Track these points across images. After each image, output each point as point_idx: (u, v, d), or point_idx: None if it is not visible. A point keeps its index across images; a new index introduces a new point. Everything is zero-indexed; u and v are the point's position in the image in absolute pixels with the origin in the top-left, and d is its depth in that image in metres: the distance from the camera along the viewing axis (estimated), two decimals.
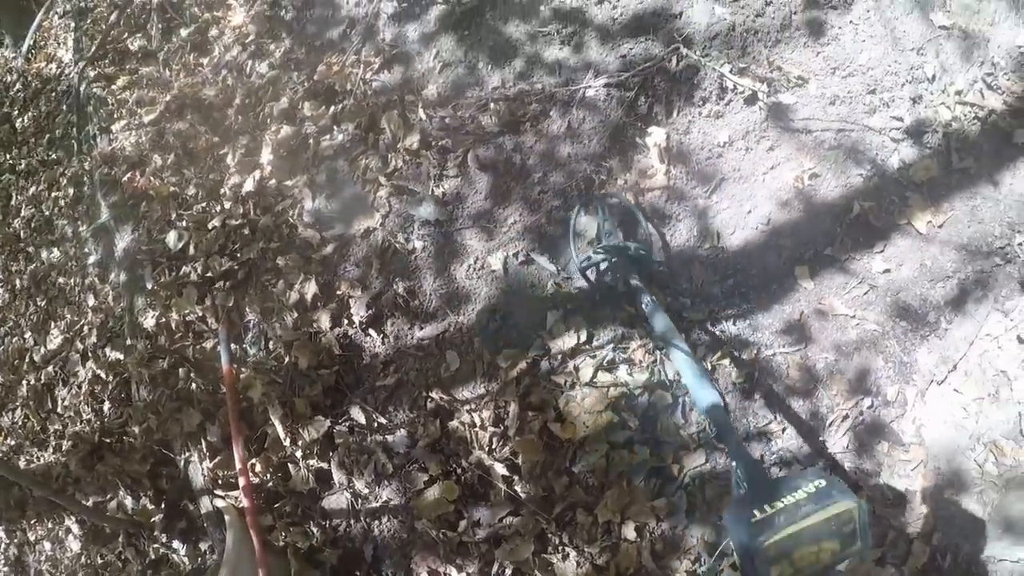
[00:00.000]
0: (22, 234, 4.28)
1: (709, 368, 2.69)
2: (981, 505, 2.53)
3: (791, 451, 2.58)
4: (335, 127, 3.41)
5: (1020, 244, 2.80)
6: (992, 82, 2.96)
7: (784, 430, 2.63)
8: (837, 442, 2.60)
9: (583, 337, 2.75)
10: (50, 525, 3.76)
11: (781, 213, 2.85)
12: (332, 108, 3.45)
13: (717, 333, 2.76)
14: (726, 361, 2.70)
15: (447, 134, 3.18)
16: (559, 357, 2.75)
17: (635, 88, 3.05)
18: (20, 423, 3.91)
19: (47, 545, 3.79)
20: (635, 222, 2.87)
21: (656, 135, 3.00)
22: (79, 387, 3.67)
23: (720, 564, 2.40)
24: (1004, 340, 2.67)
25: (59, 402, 3.77)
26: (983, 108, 2.92)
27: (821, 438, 2.62)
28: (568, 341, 2.75)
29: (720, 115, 3.03)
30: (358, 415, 2.91)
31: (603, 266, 2.75)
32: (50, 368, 3.80)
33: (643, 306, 2.45)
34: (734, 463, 1.70)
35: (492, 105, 3.17)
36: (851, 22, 3.05)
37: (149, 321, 3.35)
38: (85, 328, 3.73)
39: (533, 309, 2.86)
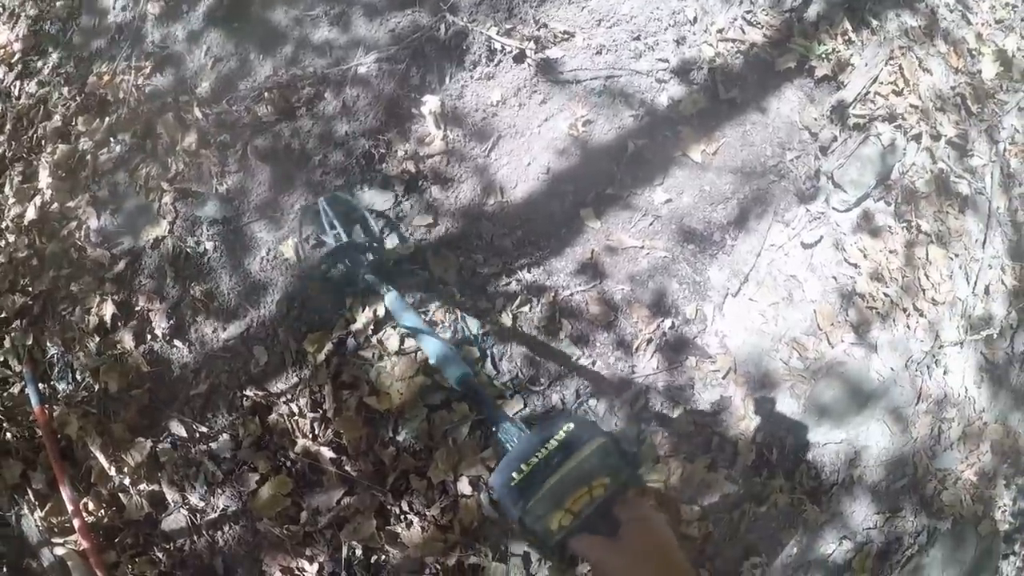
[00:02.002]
0: None
1: (511, 318, 2.69)
2: (795, 399, 2.67)
3: (603, 380, 2.62)
4: (111, 139, 3.19)
5: (792, 160, 2.91)
6: (751, 18, 3.07)
7: (594, 363, 2.65)
8: (646, 365, 2.65)
9: (381, 310, 2.68)
10: None
11: (560, 161, 2.86)
12: (107, 119, 3.22)
13: (513, 283, 2.75)
14: (526, 308, 2.70)
15: (224, 129, 3.02)
16: (363, 332, 2.68)
17: (406, 60, 2.99)
18: None
19: None
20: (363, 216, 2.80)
21: (430, 103, 2.95)
22: None
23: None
24: (789, 247, 2.78)
25: None
26: (745, 43, 3.03)
27: (631, 364, 2.65)
28: (368, 315, 2.68)
29: (491, 76, 3.01)
30: (178, 429, 2.77)
31: (338, 268, 2.70)
32: None
33: (383, 299, 2.42)
34: (494, 429, 1.67)
35: (266, 94, 3.03)
36: None
37: None
38: None
39: (330, 290, 2.76)
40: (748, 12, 3.05)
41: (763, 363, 2.71)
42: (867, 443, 2.62)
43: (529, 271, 2.76)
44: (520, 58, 2.98)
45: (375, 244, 2.68)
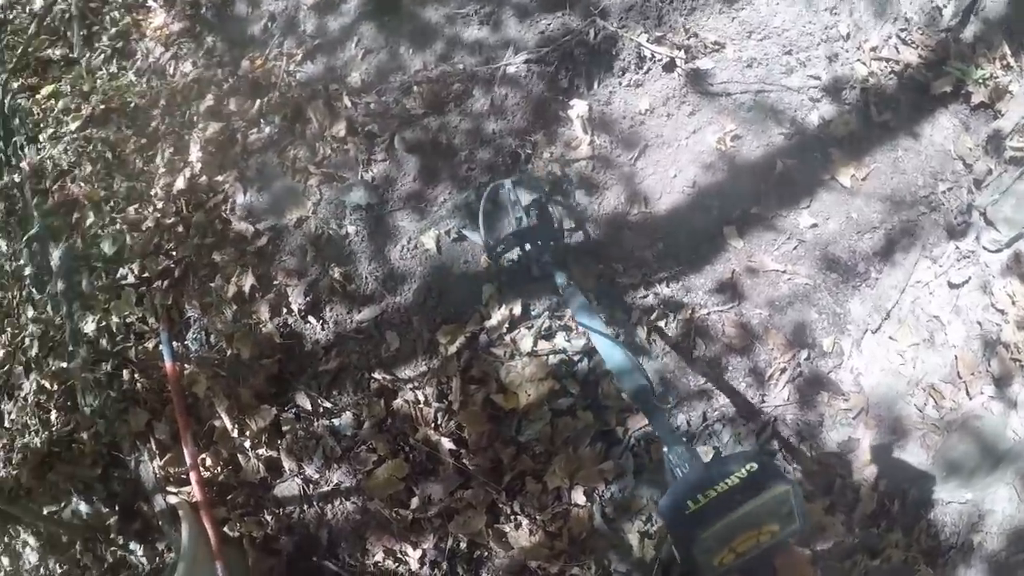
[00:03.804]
0: None
1: (645, 331, 2.64)
2: (924, 449, 2.49)
3: (733, 407, 2.52)
4: (262, 120, 3.27)
5: (943, 192, 2.77)
6: (906, 37, 2.92)
7: (724, 388, 2.57)
8: (777, 395, 2.55)
9: (518, 309, 2.68)
10: (6, 540, 3.56)
11: (706, 175, 2.80)
12: (258, 102, 3.30)
13: (651, 296, 2.71)
14: (662, 323, 2.65)
15: (373, 119, 3.07)
16: (497, 329, 2.68)
17: (555, 62, 2.99)
18: None
19: (5, 560, 3.59)
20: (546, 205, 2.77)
21: (578, 107, 2.94)
22: (25, 399, 3.47)
23: None
24: (935, 286, 2.64)
25: (5, 416, 3.56)
26: (899, 62, 2.88)
27: (761, 393, 2.56)
28: (504, 313, 2.68)
29: (640, 84, 2.98)
30: (303, 401, 2.80)
31: (515, 253, 2.67)
32: None
33: (560, 290, 2.37)
34: (665, 449, 1.64)
35: (415, 88, 3.07)
36: None
37: (89, 327, 3.17)
38: (26, 340, 3.52)
39: (468, 284, 2.78)
40: (903, 30, 2.91)
41: (896, 407, 2.55)
42: (993, 507, 2.47)
43: (667, 285, 2.71)
44: (670, 67, 2.93)
45: (558, 233, 2.64)
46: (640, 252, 2.74)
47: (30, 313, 3.55)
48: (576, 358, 2.64)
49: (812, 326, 2.61)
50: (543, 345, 2.66)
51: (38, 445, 3.35)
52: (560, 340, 2.67)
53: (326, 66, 3.30)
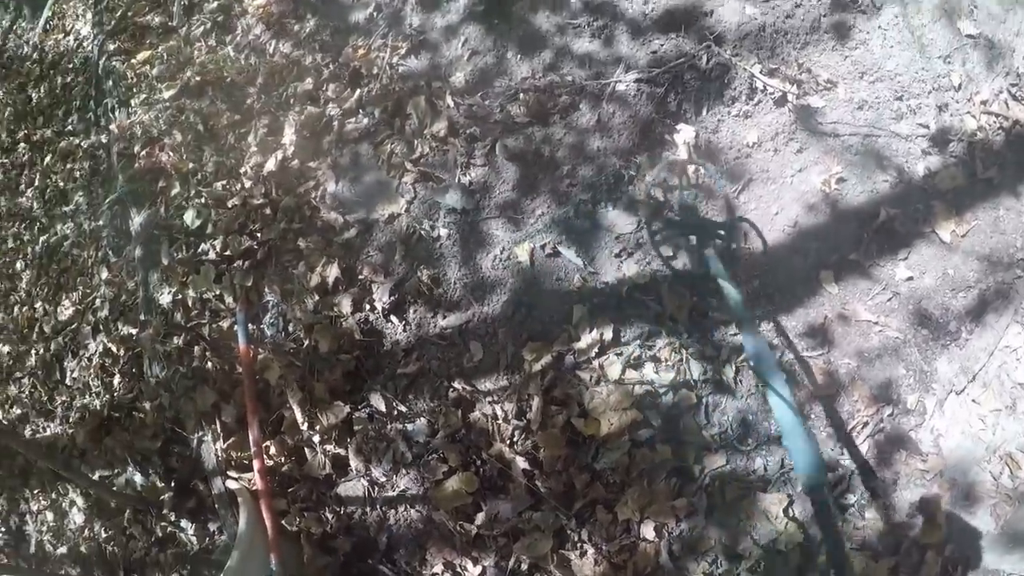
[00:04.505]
0: (35, 205, 4.01)
1: (733, 370, 2.55)
2: (994, 518, 2.40)
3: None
4: (360, 111, 3.20)
5: None
6: (1017, 93, 2.85)
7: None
8: (856, 450, 2.46)
9: (609, 334, 2.59)
10: (53, 496, 3.53)
11: (808, 216, 2.72)
12: (357, 91, 3.24)
13: (741, 336, 2.60)
14: (750, 362, 2.54)
15: (475, 122, 2.99)
16: (585, 352, 2.58)
17: (665, 84, 2.89)
18: (27, 393, 3.67)
19: (49, 516, 3.56)
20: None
21: (685, 132, 2.85)
22: (89, 360, 3.44)
23: None
24: (1023, 352, 2.54)
25: (68, 374, 3.53)
26: (1008, 119, 2.80)
27: (840, 445, 2.47)
28: (594, 337, 2.58)
29: (749, 115, 2.89)
30: (378, 402, 2.72)
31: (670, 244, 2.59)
32: (60, 339, 3.56)
33: (730, 306, 2.25)
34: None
35: (521, 95, 2.99)
36: (879, 27, 2.92)
37: (165, 297, 3.13)
38: (97, 301, 3.50)
39: (559, 302, 2.69)
40: (1014, 85, 2.82)
41: (971, 472, 2.44)
42: None
43: (759, 325, 2.62)
44: (781, 101, 2.85)
45: (723, 231, 2.56)
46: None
47: (104, 275, 3.52)
48: (662, 391, 2.55)
49: (898, 382, 2.53)
50: (631, 375, 2.56)
51: (98, 407, 3.32)
52: (649, 371, 2.57)
53: (430, 63, 3.23)
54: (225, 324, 3.02)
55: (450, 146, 2.97)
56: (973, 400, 2.51)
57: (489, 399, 2.64)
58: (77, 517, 3.43)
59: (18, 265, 3.96)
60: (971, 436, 2.48)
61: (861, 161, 2.77)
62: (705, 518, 2.39)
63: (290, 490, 2.77)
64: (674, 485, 2.45)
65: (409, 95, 3.14)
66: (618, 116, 2.89)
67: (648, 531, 2.40)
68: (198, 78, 3.58)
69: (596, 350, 2.58)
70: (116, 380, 3.31)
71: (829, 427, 2.49)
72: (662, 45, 2.95)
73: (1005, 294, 2.63)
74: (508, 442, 2.58)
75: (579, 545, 2.46)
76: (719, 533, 2.37)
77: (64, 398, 3.50)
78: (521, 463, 2.53)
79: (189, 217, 3.20)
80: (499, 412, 2.61)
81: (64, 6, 4.53)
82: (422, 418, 2.68)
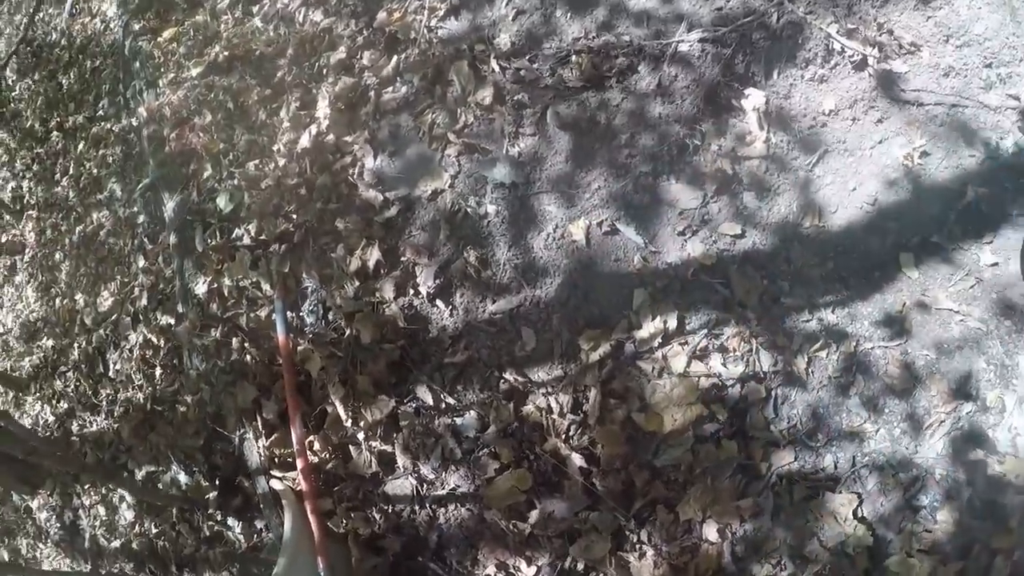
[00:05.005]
0: (70, 194, 4.00)
1: (805, 361, 2.40)
2: None
3: (883, 454, 2.30)
4: (398, 79, 3.04)
5: None
6: None
7: (878, 431, 2.34)
8: (931, 447, 2.30)
9: (673, 322, 2.42)
10: (104, 491, 3.54)
11: (888, 193, 2.53)
12: (394, 58, 3.07)
13: (815, 322, 2.45)
14: (823, 353, 2.41)
15: (523, 88, 2.80)
16: (647, 343, 2.42)
17: (732, 45, 2.67)
18: (72, 387, 3.69)
19: (102, 510, 3.59)
20: None
21: (754, 98, 2.63)
22: (130, 352, 3.42)
23: None
24: None
25: (111, 366, 3.53)
26: None
27: (916, 442, 2.31)
28: (657, 325, 2.41)
29: (825, 79, 2.66)
30: (425, 395, 2.61)
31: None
32: (101, 331, 3.56)
33: None
34: None
35: (573, 57, 2.79)
36: None
37: (200, 287, 3.07)
38: (136, 290, 3.47)
39: (618, 285, 2.52)
40: None
41: None
42: None
43: (833, 311, 2.45)
44: (861, 65, 2.61)
45: None
46: (808, 270, 2.49)
47: (141, 263, 3.49)
48: (730, 384, 2.40)
49: (978, 376, 2.36)
50: (696, 367, 2.40)
51: (141, 401, 3.31)
52: (716, 363, 2.41)
53: (472, 24, 3.04)
54: (263, 313, 2.94)
55: (496, 114, 2.78)
56: None
57: (543, 391, 2.50)
58: (127, 513, 3.45)
59: (57, 256, 3.97)
60: None
61: (946, 134, 2.55)
62: (771, 519, 2.29)
63: (336, 489, 2.71)
64: (739, 483, 2.34)
65: (450, 60, 2.96)
66: (680, 80, 2.67)
67: (711, 532, 2.31)
68: (226, 53, 3.48)
69: (659, 340, 2.42)
70: (158, 372, 3.29)
71: (904, 422, 2.34)
72: (728, 1, 2.72)
73: None
74: (563, 437, 2.45)
75: (638, 546, 2.38)
76: (785, 534, 2.26)
77: (108, 391, 3.51)
78: (577, 460, 2.42)
79: (222, 201, 3.11)
80: (554, 405, 2.48)
81: None
82: (472, 411, 2.57)
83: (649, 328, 2.40)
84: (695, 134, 2.62)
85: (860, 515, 2.22)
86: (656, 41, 2.72)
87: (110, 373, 3.53)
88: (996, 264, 2.44)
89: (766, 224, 2.54)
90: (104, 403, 3.51)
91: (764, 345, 2.39)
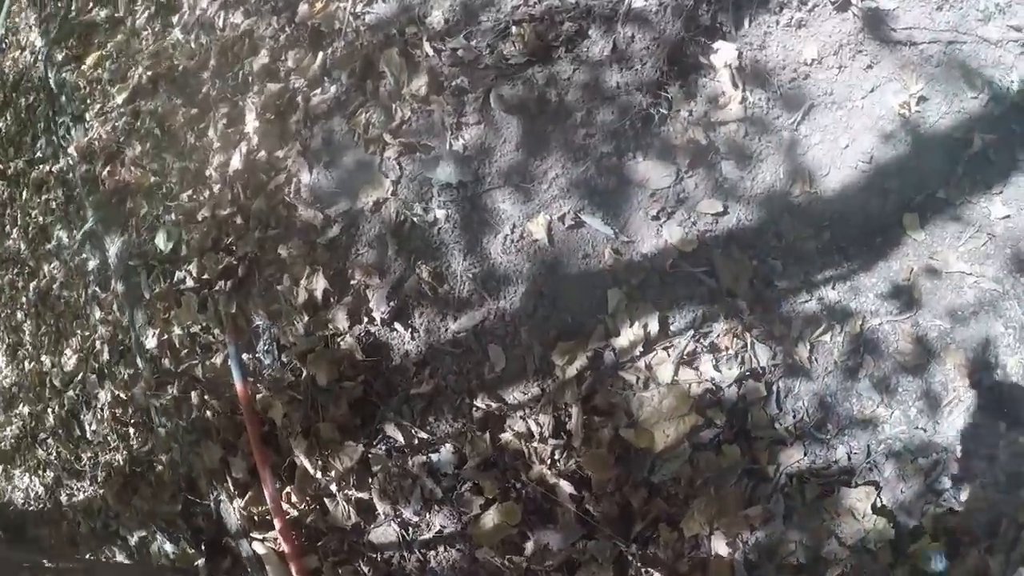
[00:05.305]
0: (21, 246, 3.82)
1: (807, 348, 2.18)
2: None
3: (900, 439, 2.14)
4: (326, 78, 2.76)
5: None
6: None
7: (893, 414, 2.15)
8: (951, 424, 2.14)
9: (654, 324, 2.16)
10: (102, 559, 3.42)
11: (885, 148, 2.28)
12: (320, 55, 2.78)
13: (814, 301, 2.21)
14: (826, 337, 2.19)
15: (461, 71, 2.50)
16: (628, 352, 2.17)
17: None
18: (54, 454, 3.56)
19: None
20: None
21: (725, 52, 2.33)
22: (102, 411, 3.26)
23: None
24: None
25: (87, 428, 3.38)
26: None
27: (934, 421, 2.15)
28: (636, 331, 2.15)
29: (804, 24, 2.36)
30: (395, 433, 2.40)
31: None
32: (71, 392, 3.40)
33: None
34: None
35: (514, 29, 2.48)
36: None
37: (151, 341, 2.85)
38: (97, 344, 3.30)
39: (590, 286, 2.26)
40: None
41: None
42: None
43: (834, 287, 2.22)
44: (843, 5, 2.31)
45: None
46: (802, 243, 2.24)
47: (97, 314, 3.32)
48: (725, 386, 2.17)
49: (996, 342, 2.20)
50: (686, 374, 2.14)
51: (120, 463, 3.16)
52: (707, 366, 2.16)
53: (400, 3, 2.72)
54: (218, 360, 2.74)
55: (435, 105, 2.49)
56: None
57: (520, 413, 2.27)
58: None
59: (19, 316, 3.80)
60: None
61: (944, 75, 2.29)
62: (783, 523, 2.13)
63: (319, 544, 2.53)
64: (746, 489, 2.17)
65: (380, 49, 2.66)
66: (638, 40, 2.34)
67: (720, 545, 2.14)
68: (149, 73, 3.23)
69: (641, 347, 2.17)
70: (131, 432, 3.11)
71: (920, 401, 2.18)
72: None
73: None
74: (549, 463, 2.23)
75: (643, 571, 2.17)
76: (800, 537, 2.11)
77: (89, 454, 3.37)
78: (567, 487, 2.20)
79: (161, 240, 2.91)
80: (534, 428, 2.25)
81: (16, 20, 4.22)
82: (447, 444, 2.35)
83: (628, 335, 2.13)
84: (660, 102, 2.31)
85: (879, 506, 2.07)
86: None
87: (87, 435, 3.38)
88: (1008, 216, 2.25)
89: (750, 196, 2.25)
90: (87, 468, 3.37)
91: (759, 337, 2.14)
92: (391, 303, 2.41)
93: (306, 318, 2.52)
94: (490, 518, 2.25)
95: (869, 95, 2.30)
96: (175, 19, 3.33)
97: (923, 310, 2.20)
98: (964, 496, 2.07)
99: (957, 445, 2.10)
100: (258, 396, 2.58)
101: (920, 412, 2.15)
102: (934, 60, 2.29)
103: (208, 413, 2.68)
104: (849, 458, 2.13)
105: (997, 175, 2.28)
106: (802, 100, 2.30)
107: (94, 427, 3.34)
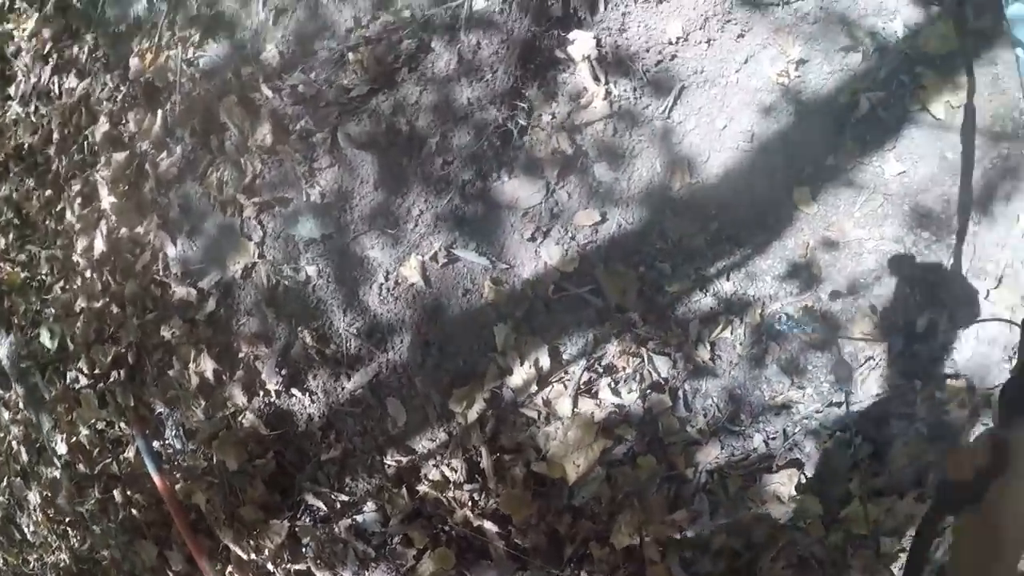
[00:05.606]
0: None
1: (708, 349, 2.13)
2: None
3: (815, 417, 2.13)
4: (168, 139, 2.61)
5: None
6: None
7: (805, 393, 2.14)
8: (866, 392, 2.12)
9: (545, 359, 2.11)
10: None
11: (766, 123, 2.18)
12: (160, 113, 2.63)
13: (709, 297, 2.16)
14: (727, 333, 2.15)
15: (305, 109, 2.38)
16: (523, 390, 2.13)
17: None
18: (2, 561, 3.48)
19: None
20: None
21: (582, 42, 2.19)
22: (35, 512, 3.17)
23: None
24: None
25: (26, 531, 3.29)
26: None
27: (848, 391, 2.13)
28: (528, 369, 2.10)
29: None
30: (315, 501, 2.37)
31: None
32: (1, 497, 3.29)
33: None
34: None
35: (351, 55, 2.34)
36: None
37: (61, 447, 2.77)
38: (14, 444, 3.19)
39: (475, 324, 2.21)
40: None
41: (990, 378, 2.07)
42: None
43: (728, 278, 2.17)
44: None
45: None
46: (689, 239, 2.18)
47: (6, 415, 3.18)
48: (628, 405, 2.13)
49: (903, 301, 2.15)
50: (585, 404, 2.11)
51: (67, 561, 3.08)
52: (606, 393, 2.12)
53: (232, 43, 2.56)
54: (131, 453, 2.66)
55: (283, 154, 2.36)
56: (986, 299, 2.13)
57: (432, 461, 2.25)
58: None
59: None
60: (986, 341, 2.12)
61: (823, 32, 2.17)
62: (710, 518, 2.13)
63: None
64: (668, 494, 2.15)
65: (218, 97, 2.51)
66: (485, 46, 2.22)
67: (652, 552, 2.12)
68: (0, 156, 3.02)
69: (535, 384, 2.12)
70: (69, 531, 3.03)
71: (832, 376, 2.14)
72: None
73: (1014, 172, 2.11)
74: (470, 506, 2.20)
75: None
76: (730, 529, 2.10)
77: (34, 556, 3.29)
78: (491, 527, 2.18)
79: (45, 338, 2.79)
80: (448, 474, 2.23)
81: None
82: (369, 503, 2.31)
83: (521, 373, 2.09)
84: (518, 112, 2.20)
85: (803, 484, 2.06)
86: (444, 5, 2.22)
87: (28, 537, 3.31)
88: (904, 172, 2.15)
89: (628, 198, 2.17)
90: (36, 570, 3.31)
91: (656, 349, 2.10)
92: (282, 371, 2.34)
93: (203, 402, 2.44)
94: (426, 567, 2.25)
95: (743, 67, 2.18)
96: (12, 90, 3.13)
97: (824, 283, 2.15)
98: (889, 455, 2.07)
99: (874, 410, 2.09)
100: (178, 486, 2.52)
101: (832, 386, 2.12)
102: (810, 17, 2.17)
103: (134, 511, 2.62)
104: (767, 444, 2.13)
105: (888, 132, 2.18)
106: (671, 83, 2.18)
107: (32, 529, 3.27)
